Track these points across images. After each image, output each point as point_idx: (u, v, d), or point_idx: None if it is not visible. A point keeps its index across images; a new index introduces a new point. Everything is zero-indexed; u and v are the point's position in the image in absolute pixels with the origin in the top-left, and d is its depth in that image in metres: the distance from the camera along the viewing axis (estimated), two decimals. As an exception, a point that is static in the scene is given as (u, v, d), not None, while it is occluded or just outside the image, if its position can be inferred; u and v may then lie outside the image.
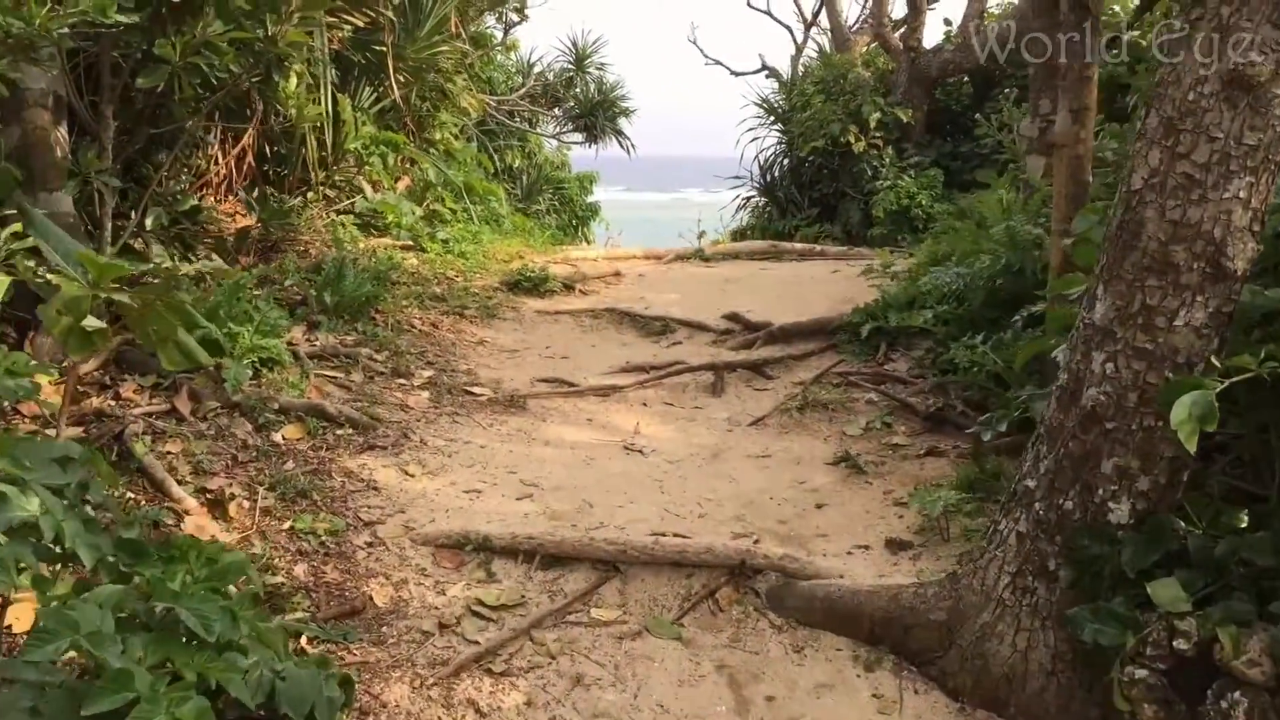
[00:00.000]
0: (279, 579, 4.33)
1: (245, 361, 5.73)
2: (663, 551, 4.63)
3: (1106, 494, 3.69)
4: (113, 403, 5.37)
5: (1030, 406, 4.80)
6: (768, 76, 22.81)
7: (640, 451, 5.87)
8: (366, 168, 9.89)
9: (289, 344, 6.42)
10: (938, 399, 6.14)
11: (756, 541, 4.83)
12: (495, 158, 20.24)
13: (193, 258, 6.69)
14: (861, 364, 6.84)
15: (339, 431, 5.58)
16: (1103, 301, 3.66)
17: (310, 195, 8.99)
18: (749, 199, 19.23)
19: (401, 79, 10.29)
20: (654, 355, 7.38)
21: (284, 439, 5.39)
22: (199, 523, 4.59)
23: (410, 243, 9.22)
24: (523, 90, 19.69)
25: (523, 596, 4.44)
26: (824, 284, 8.89)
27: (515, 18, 15.81)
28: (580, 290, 8.68)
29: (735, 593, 4.53)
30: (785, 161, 18.13)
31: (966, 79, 16.26)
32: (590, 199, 22.72)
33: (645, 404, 6.62)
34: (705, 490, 5.39)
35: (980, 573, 4.02)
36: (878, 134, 15.77)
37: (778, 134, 18.49)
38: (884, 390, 6.44)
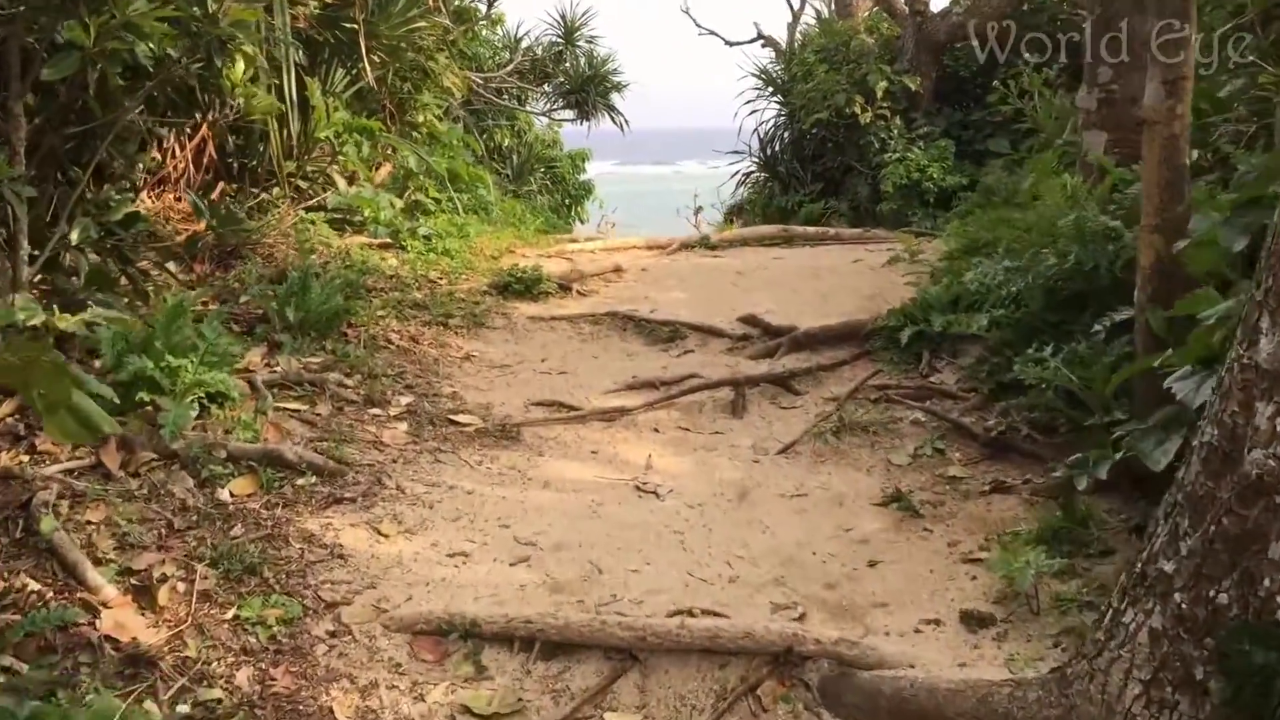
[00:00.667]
0: (215, 693, 3.43)
1: (188, 400, 4.80)
2: (690, 637, 3.73)
3: (1275, 585, 2.80)
4: (26, 458, 4.45)
5: (1133, 446, 3.91)
6: (764, 46, 21.78)
7: (655, 494, 4.95)
8: (340, 158, 8.93)
9: (245, 370, 5.51)
10: (998, 420, 5.22)
11: (802, 616, 3.94)
12: (483, 138, 19.26)
13: (133, 273, 5.75)
14: (902, 375, 5.91)
15: (299, 481, 4.66)
16: (1269, 338, 2.74)
17: (277, 191, 8.03)
18: (749, 174, 18.28)
19: (376, 59, 9.31)
20: (664, 367, 6.45)
21: (232, 496, 4.47)
22: (119, 618, 3.68)
23: (389, 240, 8.26)
24: (510, 66, 18.68)
25: (520, 699, 3.55)
26: (846, 275, 7.97)
27: (499, -11, 14.68)
28: (578, 291, 7.72)
29: (780, 686, 3.64)
30: (786, 135, 17.17)
31: (977, 43, 15.29)
32: (583, 177, 21.78)
33: (657, 429, 5.70)
34: (734, 544, 4.48)
35: (1099, 676, 3.13)
36: (885, 104, 14.82)
37: (777, 106, 17.52)
38: (931, 408, 5.50)
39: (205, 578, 3.93)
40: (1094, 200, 5.40)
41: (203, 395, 4.95)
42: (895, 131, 14.90)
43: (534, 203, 18.73)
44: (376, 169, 10.98)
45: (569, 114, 19.15)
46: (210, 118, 7.14)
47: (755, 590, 4.12)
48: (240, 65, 5.93)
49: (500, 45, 19.96)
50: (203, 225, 6.92)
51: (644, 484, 5.03)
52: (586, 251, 9.14)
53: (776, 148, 17.39)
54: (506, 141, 19.50)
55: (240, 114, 6.89)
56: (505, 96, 19.66)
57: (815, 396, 5.92)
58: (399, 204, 9.18)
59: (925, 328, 5.99)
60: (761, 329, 6.70)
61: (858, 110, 14.82)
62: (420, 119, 11.70)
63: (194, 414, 4.82)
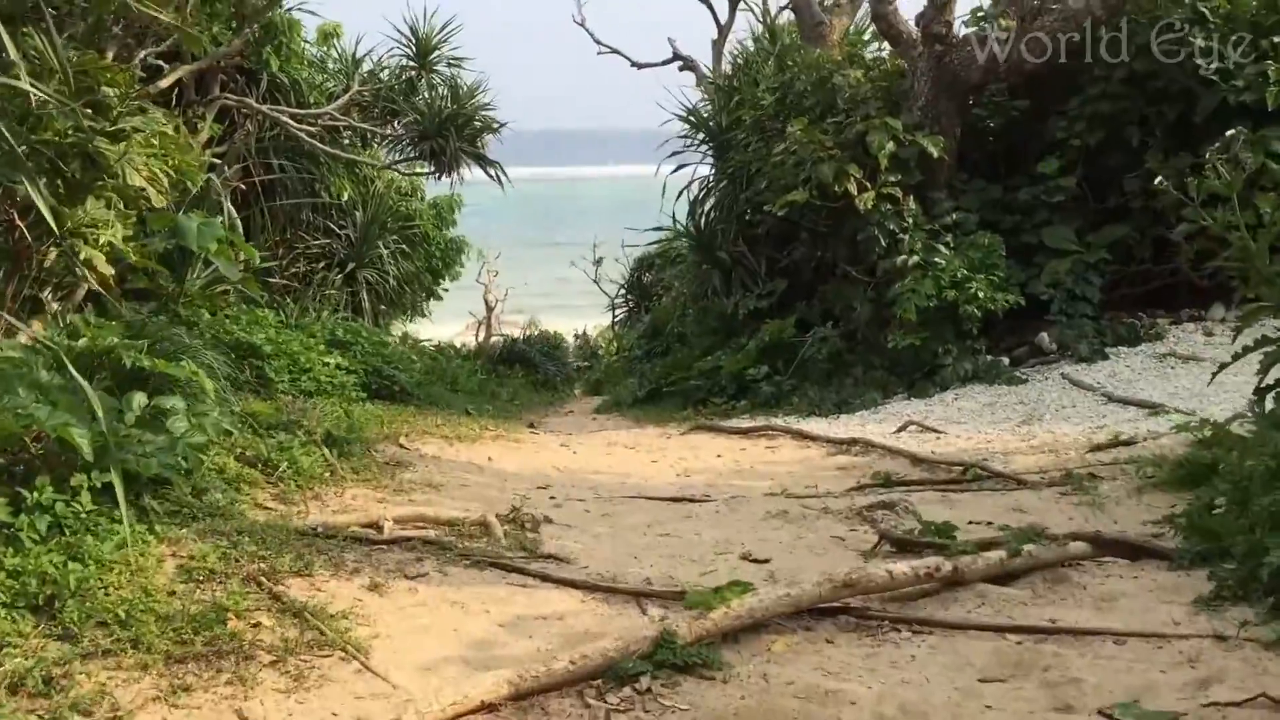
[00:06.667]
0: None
1: None
2: None
3: None
4: None
5: None
6: (682, 69, 15.56)
7: None
8: None
9: None
10: None
11: None
12: (317, 188, 12.71)
13: None
14: None
15: None
16: None
17: None
18: (676, 259, 12.10)
19: None
20: None
21: None
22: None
23: None
24: (344, 98, 12.12)
25: None
26: None
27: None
28: None
29: None
30: (727, 204, 10.97)
31: (1009, 90, 9.30)
32: (453, 232, 15.29)
33: None
34: None
35: None
36: (892, 178, 8.71)
37: (713, 162, 11.33)
38: None
39: None
40: None
41: None
42: (911, 220, 8.78)
43: (375, 297, 12.29)
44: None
45: (425, 165, 12.69)
46: None
47: None
48: None
49: (335, 68, 13.35)
50: None
51: None
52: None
53: (713, 217, 11.19)
54: (345, 195, 12.97)
55: None
56: (345, 137, 13.14)
57: None
58: None
59: None
60: None
61: (853, 189, 8.67)
62: (84, 253, 5.35)
63: None
